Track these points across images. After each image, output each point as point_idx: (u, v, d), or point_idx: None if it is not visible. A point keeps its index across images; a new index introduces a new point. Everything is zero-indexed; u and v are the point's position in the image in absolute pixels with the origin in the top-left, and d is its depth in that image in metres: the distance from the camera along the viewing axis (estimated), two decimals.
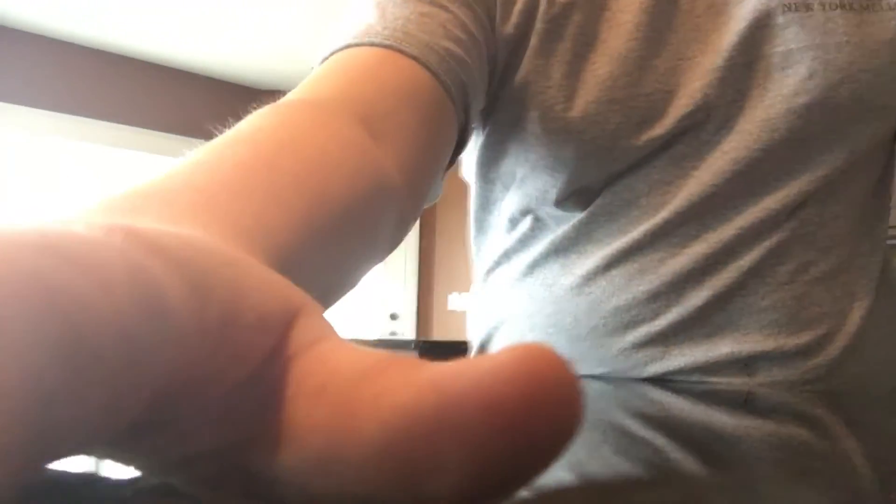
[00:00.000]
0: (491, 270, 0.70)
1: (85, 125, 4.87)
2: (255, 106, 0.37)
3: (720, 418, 0.39)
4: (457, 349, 3.11)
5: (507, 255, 0.67)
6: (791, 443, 0.31)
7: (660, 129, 0.56)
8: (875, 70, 0.55)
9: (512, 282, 0.66)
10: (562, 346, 0.61)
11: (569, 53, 0.57)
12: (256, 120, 0.34)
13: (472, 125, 0.53)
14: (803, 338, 0.57)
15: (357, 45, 0.46)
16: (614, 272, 0.59)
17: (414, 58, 0.45)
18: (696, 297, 0.57)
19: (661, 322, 0.58)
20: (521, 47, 0.56)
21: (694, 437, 0.33)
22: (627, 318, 0.59)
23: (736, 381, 0.57)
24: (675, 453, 0.28)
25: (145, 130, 5.10)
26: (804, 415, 0.43)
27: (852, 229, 0.60)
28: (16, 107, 4.62)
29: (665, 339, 0.58)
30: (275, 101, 0.37)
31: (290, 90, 0.43)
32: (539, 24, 0.56)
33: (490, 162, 0.64)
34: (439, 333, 5.37)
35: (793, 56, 0.55)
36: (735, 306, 0.57)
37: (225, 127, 0.34)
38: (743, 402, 0.47)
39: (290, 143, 0.31)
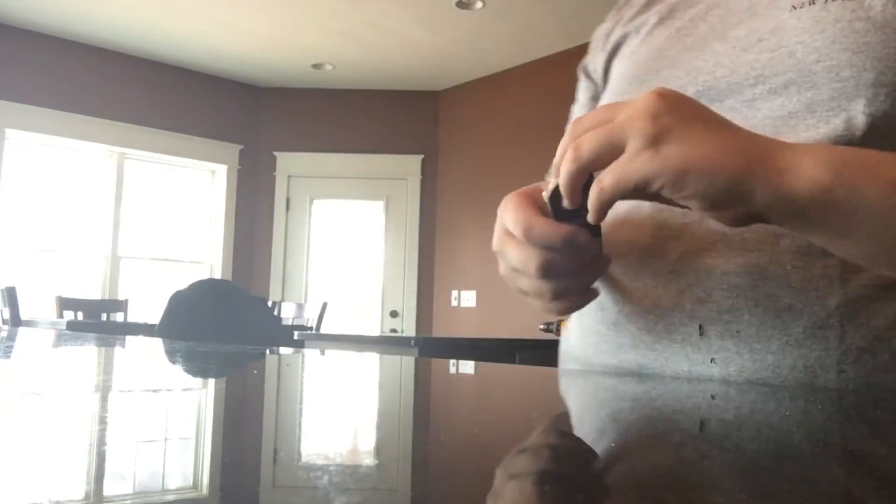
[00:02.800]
0: None
1: (89, 124, 4.87)
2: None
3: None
4: (458, 346, 3.09)
5: None
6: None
7: (689, 86, 0.65)
8: (855, 48, 0.58)
9: None
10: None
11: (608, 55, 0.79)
12: None
13: None
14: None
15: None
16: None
17: None
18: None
19: None
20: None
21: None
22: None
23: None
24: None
25: (146, 129, 5.09)
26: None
27: None
28: (20, 105, 4.62)
29: None
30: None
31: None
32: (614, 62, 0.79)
33: None
34: (440, 330, 5.38)
35: (781, 40, 0.61)
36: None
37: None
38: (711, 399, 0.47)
39: None
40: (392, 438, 0.35)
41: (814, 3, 0.60)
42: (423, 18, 4.38)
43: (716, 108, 0.62)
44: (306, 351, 1.00)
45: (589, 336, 0.71)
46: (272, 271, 5.54)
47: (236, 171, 5.49)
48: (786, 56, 0.60)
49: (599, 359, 0.69)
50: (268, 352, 0.96)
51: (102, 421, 0.35)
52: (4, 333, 1.57)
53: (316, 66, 5.15)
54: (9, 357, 0.77)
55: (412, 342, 2.73)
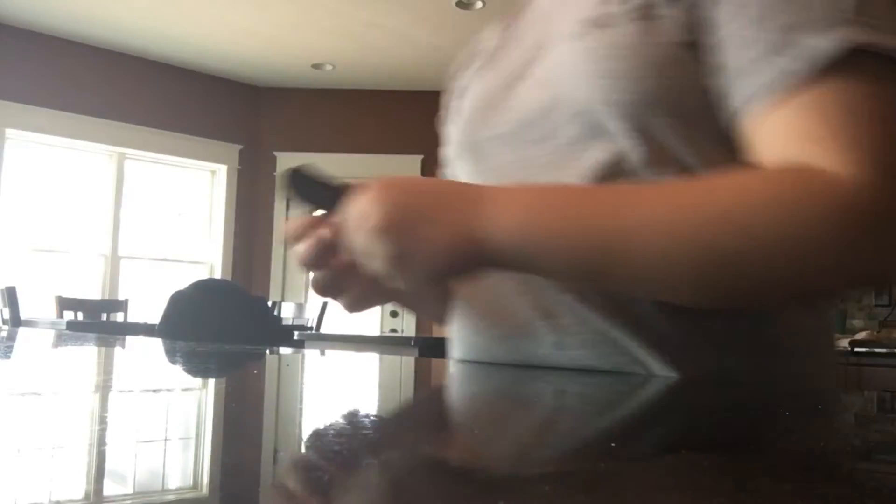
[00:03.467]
0: None
1: (89, 124, 4.87)
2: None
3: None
4: None
5: None
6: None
7: (503, 125, 0.71)
8: (603, 74, 0.61)
9: None
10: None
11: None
12: None
13: None
14: None
15: None
16: None
17: None
18: None
19: None
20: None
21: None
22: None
23: None
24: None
25: (146, 129, 5.10)
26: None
27: None
28: (20, 105, 4.62)
29: None
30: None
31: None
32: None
33: None
34: (440, 330, 5.37)
35: (559, 76, 0.66)
36: None
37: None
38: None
39: None
40: (391, 438, 0.35)
41: (581, 37, 0.64)
42: (423, 18, 4.38)
43: (526, 142, 0.69)
44: (306, 351, 1.00)
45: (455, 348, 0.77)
46: (272, 271, 5.53)
47: (236, 171, 5.49)
48: (564, 91, 0.65)
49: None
50: (268, 352, 0.96)
51: (102, 421, 0.35)
52: (4, 333, 1.57)
53: (316, 66, 5.15)
54: (9, 357, 0.77)
55: (412, 342, 2.73)
